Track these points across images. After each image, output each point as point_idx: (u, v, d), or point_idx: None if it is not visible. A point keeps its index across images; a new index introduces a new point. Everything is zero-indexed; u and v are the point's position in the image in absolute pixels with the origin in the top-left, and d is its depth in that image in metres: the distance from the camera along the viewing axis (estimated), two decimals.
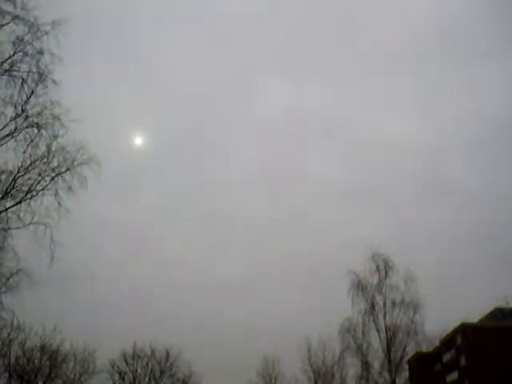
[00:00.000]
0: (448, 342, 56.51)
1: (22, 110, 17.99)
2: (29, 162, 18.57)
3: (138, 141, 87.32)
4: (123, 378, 58.62)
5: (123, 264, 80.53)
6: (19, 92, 17.60)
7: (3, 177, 18.43)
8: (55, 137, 18.48)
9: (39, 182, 18.91)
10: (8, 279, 19.26)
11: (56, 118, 18.30)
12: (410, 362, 46.89)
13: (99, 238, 74.65)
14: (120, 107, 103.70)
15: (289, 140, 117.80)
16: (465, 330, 54.06)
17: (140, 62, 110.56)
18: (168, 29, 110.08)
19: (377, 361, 40.21)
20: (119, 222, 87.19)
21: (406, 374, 47.03)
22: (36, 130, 18.23)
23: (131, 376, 58.82)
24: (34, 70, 17.57)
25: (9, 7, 16.98)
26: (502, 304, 56.90)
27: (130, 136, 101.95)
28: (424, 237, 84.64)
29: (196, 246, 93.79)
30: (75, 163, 19.21)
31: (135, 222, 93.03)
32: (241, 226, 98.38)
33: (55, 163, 19.03)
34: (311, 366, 57.11)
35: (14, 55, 17.46)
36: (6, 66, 17.40)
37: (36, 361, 48.54)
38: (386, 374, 39.80)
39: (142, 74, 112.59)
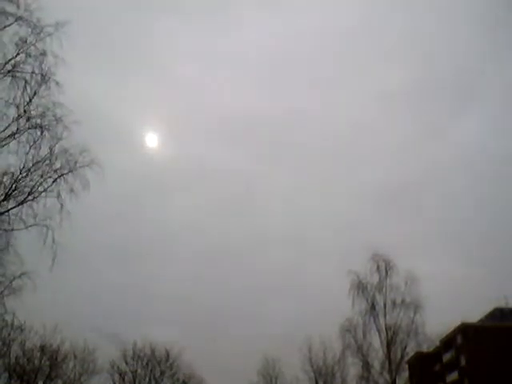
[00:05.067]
0: (448, 342, 56.50)
1: (25, 111, 17.93)
2: (31, 164, 18.53)
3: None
4: (123, 378, 58.62)
5: (124, 262, 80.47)
6: (22, 93, 17.58)
7: (5, 178, 18.36)
8: (58, 139, 18.45)
9: (41, 183, 18.87)
10: (11, 282, 19.20)
11: (58, 119, 18.27)
12: (410, 362, 46.92)
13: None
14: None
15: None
16: (465, 329, 54.03)
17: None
18: None
19: (377, 361, 40.34)
20: None
21: (406, 373, 47.09)
22: (39, 132, 18.20)
23: (131, 376, 58.83)
24: (37, 71, 17.57)
25: (12, 8, 16.96)
26: (501, 304, 56.97)
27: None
28: (424, 237, 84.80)
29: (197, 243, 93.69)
30: (78, 165, 19.19)
31: None
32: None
33: (58, 165, 19.02)
34: (312, 366, 57.16)
35: (16, 56, 17.45)
36: (8, 67, 17.37)
37: (36, 361, 48.53)
38: (386, 374, 39.81)
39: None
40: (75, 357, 52.17)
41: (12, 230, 18.66)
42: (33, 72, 17.60)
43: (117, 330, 60.82)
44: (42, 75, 17.65)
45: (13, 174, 18.37)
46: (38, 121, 18.18)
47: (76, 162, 19.09)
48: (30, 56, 17.52)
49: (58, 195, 18.92)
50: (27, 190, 18.61)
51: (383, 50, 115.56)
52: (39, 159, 18.48)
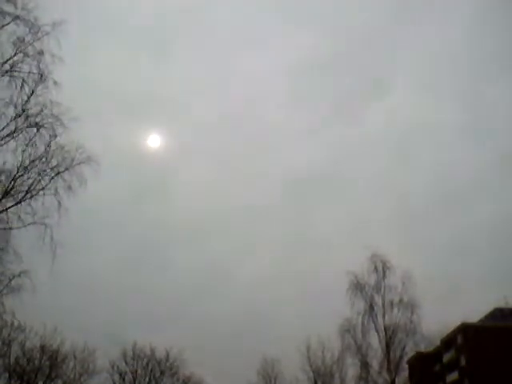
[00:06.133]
0: (448, 342, 56.49)
1: (23, 110, 18.10)
2: (28, 162, 18.66)
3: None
4: (123, 378, 58.57)
5: (124, 264, 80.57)
6: (19, 92, 17.76)
7: (3, 177, 18.52)
8: (54, 136, 18.58)
9: (39, 181, 19.04)
10: (10, 281, 19.27)
11: (56, 117, 18.41)
12: (409, 362, 46.95)
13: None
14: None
15: None
16: (465, 329, 54.02)
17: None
18: None
19: (376, 361, 40.28)
20: None
21: (406, 373, 47.13)
22: (36, 130, 18.32)
23: (131, 376, 58.77)
24: (35, 70, 17.73)
25: (9, 8, 17.13)
26: (501, 304, 56.98)
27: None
28: (424, 236, 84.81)
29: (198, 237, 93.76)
30: (74, 162, 19.35)
31: None
32: None
33: (54, 163, 19.16)
34: (311, 366, 57.04)
35: (14, 56, 17.63)
36: (6, 66, 17.54)
37: (36, 361, 48.48)
38: (385, 374, 39.83)
39: None
40: (75, 357, 52.18)
41: (10, 228, 18.79)
42: (30, 71, 17.77)
43: (117, 329, 61.00)
44: (39, 74, 17.82)
45: (10, 172, 18.53)
46: (36, 119, 18.34)
47: (72, 159, 19.27)
48: (27, 55, 17.69)
49: (56, 193, 19.09)
50: (25, 188, 18.79)
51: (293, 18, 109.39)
52: (36, 157, 18.65)
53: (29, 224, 18.94)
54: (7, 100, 17.82)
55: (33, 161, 18.54)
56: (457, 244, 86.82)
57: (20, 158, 18.32)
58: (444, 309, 54.61)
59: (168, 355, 59.52)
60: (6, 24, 17.21)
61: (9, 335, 41.15)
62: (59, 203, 18.93)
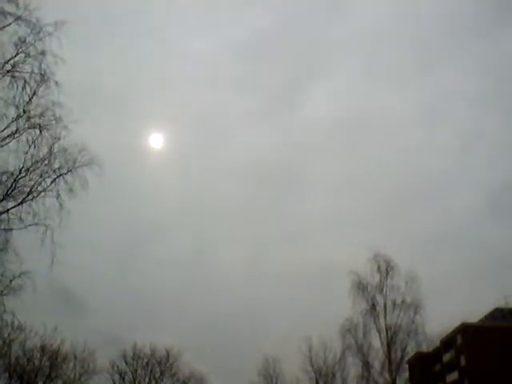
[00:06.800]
0: (448, 342, 56.50)
1: (24, 111, 17.97)
2: (30, 163, 18.59)
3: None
4: (123, 378, 58.57)
5: (124, 263, 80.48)
6: (21, 93, 17.59)
7: (4, 178, 18.41)
8: (57, 138, 18.49)
9: (40, 183, 18.97)
10: (11, 282, 19.17)
11: (58, 119, 18.31)
12: (410, 362, 46.93)
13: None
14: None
15: None
16: (465, 329, 54.05)
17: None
18: None
19: (377, 361, 40.39)
20: None
21: (407, 374, 47.15)
22: (38, 131, 18.23)
23: (131, 376, 58.78)
24: (36, 71, 17.56)
25: (11, 8, 16.96)
26: (501, 304, 57.00)
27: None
28: (424, 237, 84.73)
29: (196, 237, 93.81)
30: (76, 165, 19.27)
31: None
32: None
33: (57, 164, 19.11)
34: (312, 366, 57.00)
35: (16, 56, 17.44)
36: (8, 66, 17.37)
37: (36, 361, 48.45)
38: (386, 374, 39.82)
39: None
40: (75, 357, 52.15)
41: (11, 229, 18.69)
42: (32, 72, 17.61)
43: (117, 330, 60.95)
44: (41, 75, 17.65)
45: (12, 173, 18.42)
46: (38, 120, 18.23)
47: (75, 162, 19.17)
48: (29, 56, 17.51)
49: (58, 195, 19.02)
50: (26, 189, 18.70)
51: None
52: (38, 159, 18.57)
53: (29, 225, 18.84)
54: (9, 101, 17.69)
55: (35, 162, 18.48)
56: (457, 243, 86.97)
57: (22, 160, 18.24)
58: (444, 309, 54.63)
59: (168, 355, 59.54)
60: (8, 24, 17.05)
61: (9, 335, 40.97)
62: (61, 205, 18.86)
